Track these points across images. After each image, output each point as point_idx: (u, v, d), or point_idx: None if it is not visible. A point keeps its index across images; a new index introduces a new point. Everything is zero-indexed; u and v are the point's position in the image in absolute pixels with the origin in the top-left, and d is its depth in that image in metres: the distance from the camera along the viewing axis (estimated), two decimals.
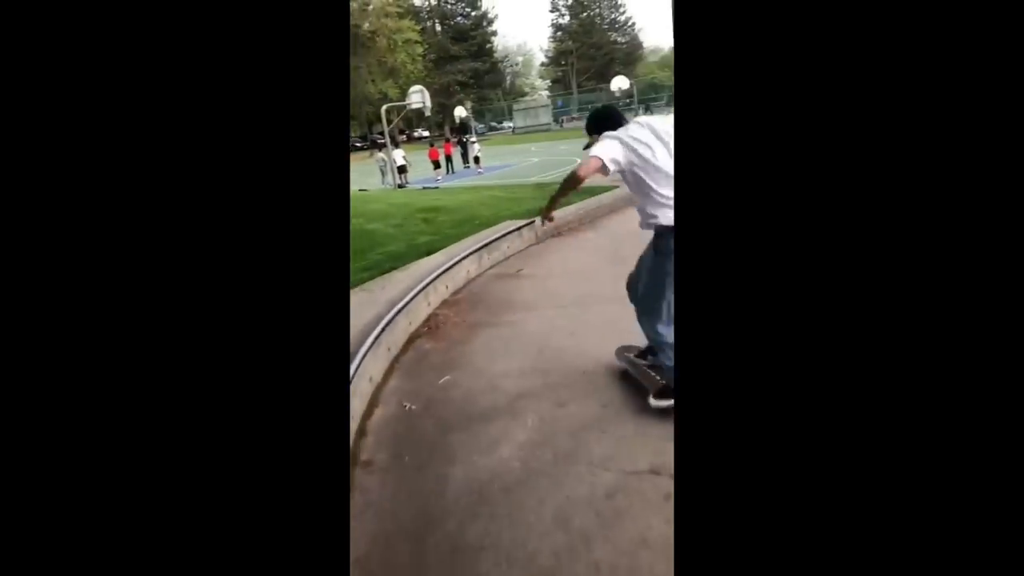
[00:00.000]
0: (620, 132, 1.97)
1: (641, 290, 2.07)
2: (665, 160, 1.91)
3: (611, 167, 1.87)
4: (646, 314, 2.05)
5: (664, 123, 1.99)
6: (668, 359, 1.99)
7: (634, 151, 1.90)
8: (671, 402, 1.93)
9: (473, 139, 16.71)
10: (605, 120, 2.12)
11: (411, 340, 3.10)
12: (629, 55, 45.59)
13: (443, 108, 36.20)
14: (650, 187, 1.92)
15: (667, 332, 1.98)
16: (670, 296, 1.92)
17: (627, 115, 2.27)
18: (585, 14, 45.00)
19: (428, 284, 3.56)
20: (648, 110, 28.20)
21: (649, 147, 1.93)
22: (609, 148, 1.90)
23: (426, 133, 38.29)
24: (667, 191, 1.89)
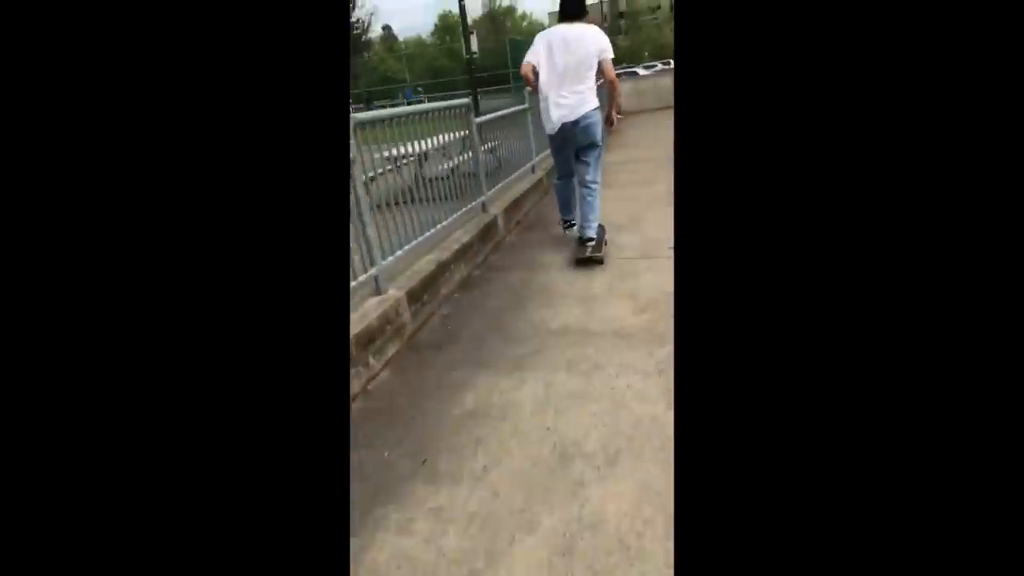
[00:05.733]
0: (540, 35, 3.01)
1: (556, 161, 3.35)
2: (553, 61, 2.89)
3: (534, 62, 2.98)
4: (559, 177, 3.37)
5: (562, 28, 2.95)
6: (562, 201, 3.37)
7: (539, 55, 2.96)
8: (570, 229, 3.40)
9: None
10: (565, 9, 3.01)
11: None
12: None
13: None
14: (541, 91, 3.01)
15: (561, 184, 3.32)
16: (560, 158, 3.25)
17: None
18: None
19: None
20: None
21: (547, 51, 2.92)
22: (531, 53, 2.99)
23: None
24: (545, 89, 2.95)
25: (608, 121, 3.27)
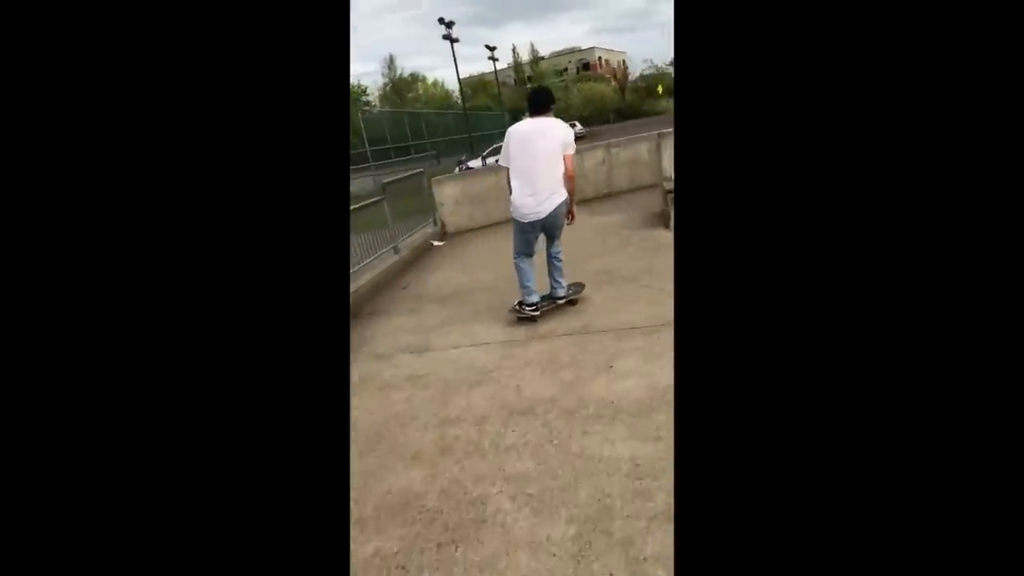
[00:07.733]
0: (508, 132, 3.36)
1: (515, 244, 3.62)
2: (515, 156, 3.20)
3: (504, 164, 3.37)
4: (516, 255, 3.60)
5: (527, 122, 3.30)
6: (523, 276, 3.50)
7: (510, 154, 3.29)
8: (522, 311, 3.52)
9: None
10: (533, 103, 3.34)
11: None
12: None
13: None
14: (509, 182, 3.32)
15: (523, 261, 3.50)
16: (518, 241, 3.47)
17: None
18: None
19: None
20: None
21: (507, 147, 3.24)
22: (503, 157, 3.33)
23: None
24: (514, 183, 3.24)
25: (569, 213, 3.49)
